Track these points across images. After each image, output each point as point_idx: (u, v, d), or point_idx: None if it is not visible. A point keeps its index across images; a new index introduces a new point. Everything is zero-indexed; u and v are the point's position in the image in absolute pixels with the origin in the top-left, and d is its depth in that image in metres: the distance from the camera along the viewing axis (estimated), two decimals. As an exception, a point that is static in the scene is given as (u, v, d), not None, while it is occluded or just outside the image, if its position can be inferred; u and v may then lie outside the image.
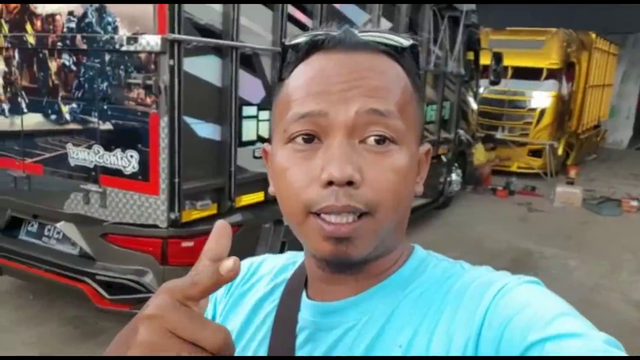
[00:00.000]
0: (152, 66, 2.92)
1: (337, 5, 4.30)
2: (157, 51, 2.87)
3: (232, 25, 3.26)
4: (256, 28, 3.52)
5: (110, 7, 3.02)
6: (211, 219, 3.46)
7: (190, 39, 2.99)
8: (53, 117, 3.37)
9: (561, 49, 10.76)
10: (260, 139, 3.72)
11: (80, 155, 3.28)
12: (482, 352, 0.57)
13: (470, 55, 8.13)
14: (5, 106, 3.59)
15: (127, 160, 3.11)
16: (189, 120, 3.12)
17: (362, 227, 0.60)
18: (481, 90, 9.36)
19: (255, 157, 3.71)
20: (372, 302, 0.67)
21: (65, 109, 3.29)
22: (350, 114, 0.60)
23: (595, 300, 5.12)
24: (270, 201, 3.91)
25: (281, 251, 4.00)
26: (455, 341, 0.59)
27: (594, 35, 12.40)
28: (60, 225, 3.52)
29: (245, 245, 3.70)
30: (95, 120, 3.17)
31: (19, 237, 3.93)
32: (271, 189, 0.69)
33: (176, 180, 3.04)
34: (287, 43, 0.67)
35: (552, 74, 10.76)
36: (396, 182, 0.61)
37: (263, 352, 0.71)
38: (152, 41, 2.87)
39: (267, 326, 0.72)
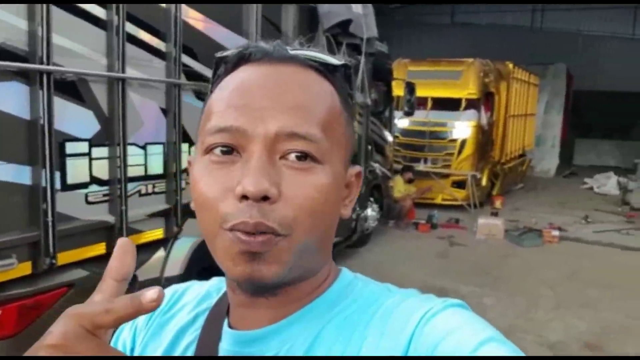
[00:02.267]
0: None
1: (203, 28, 3.82)
2: None
3: (41, 45, 2.70)
4: (81, 50, 2.96)
5: None
6: (27, 281, 2.83)
7: (-29, 61, 2.41)
8: None
9: (478, 79, 10.72)
10: (96, 181, 3.14)
11: None
12: None
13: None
14: None
15: None
16: (-22, 161, 2.52)
17: (275, 243, 0.58)
18: (396, 121, 9.09)
19: (89, 203, 3.11)
20: (294, 329, 0.64)
21: None
22: (270, 132, 0.58)
23: (508, 343, 4.70)
24: (118, 253, 3.32)
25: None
26: None
27: (511, 66, 12.49)
28: None
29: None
30: None
31: None
32: (192, 204, 0.64)
33: (-45, 236, 2.42)
34: (217, 56, 0.67)
35: (471, 104, 10.70)
36: (315, 200, 0.59)
37: None
38: None
39: (191, 351, 0.69)
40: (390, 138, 8.54)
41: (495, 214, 9.98)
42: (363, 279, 0.71)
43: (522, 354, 0.55)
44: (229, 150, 0.60)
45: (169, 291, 0.80)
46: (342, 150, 0.64)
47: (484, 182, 11.41)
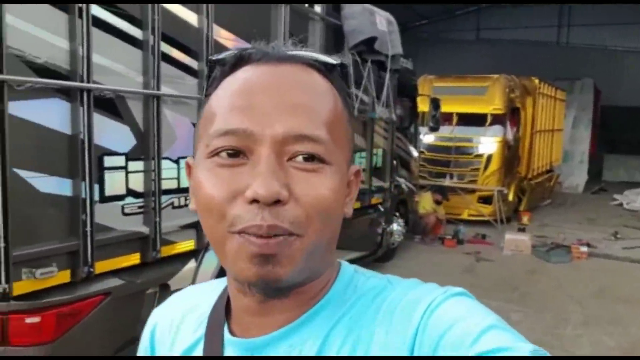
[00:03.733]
0: (-32, 112, 2.47)
1: (233, 47, 3.95)
2: (-30, 93, 2.43)
3: (82, 64, 2.84)
4: (119, 68, 3.11)
5: None
6: (65, 289, 2.95)
7: (17, 80, 2.56)
8: None
9: (504, 95, 10.69)
10: (132, 193, 3.26)
11: None
12: None
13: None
14: None
15: (-53, 223, 2.61)
16: (23, 173, 2.65)
17: (289, 244, 0.58)
18: (421, 137, 9.13)
19: (125, 214, 3.23)
20: (303, 332, 0.64)
21: None
22: (278, 134, 0.58)
23: (535, 358, 4.67)
24: (152, 263, 3.43)
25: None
26: None
27: (537, 81, 12.43)
28: None
29: (118, 316, 3.18)
30: None
31: None
32: (192, 206, 0.65)
33: (1, 245, 2.54)
34: (211, 58, 0.66)
35: (497, 120, 10.67)
36: (326, 200, 0.59)
37: None
38: (-36, 82, 2.43)
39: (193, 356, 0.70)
40: (415, 153, 8.58)
41: (522, 230, 9.90)
42: (364, 273, 0.71)
43: (523, 340, 0.56)
44: (236, 153, 0.59)
45: (147, 330, 0.79)
46: (345, 149, 0.64)
47: (510, 197, 11.33)
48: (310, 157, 0.59)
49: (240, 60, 0.63)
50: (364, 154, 6.29)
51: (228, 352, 0.67)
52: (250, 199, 0.56)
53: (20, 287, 2.68)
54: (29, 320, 2.80)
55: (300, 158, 0.59)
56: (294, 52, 0.63)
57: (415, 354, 0.58)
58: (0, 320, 2.75)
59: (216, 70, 0.65)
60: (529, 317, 5.81)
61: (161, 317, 0.79)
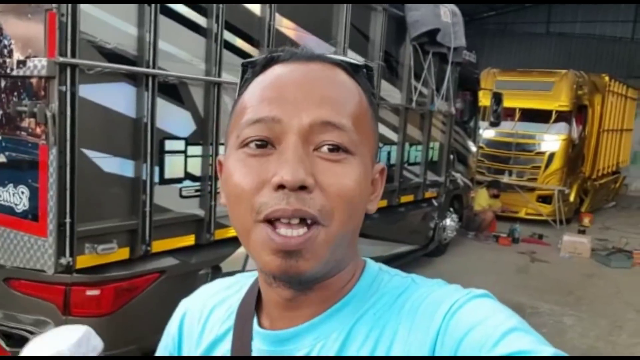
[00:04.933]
0: (42, 92, 2.61)
1: (295, 37, 3.99)
2: (45, 76, 2.56)
3: (149, 50, 2.95)
4: (183, 55, 3.21)
5: (7, 29, 2.74)
6: (124, 265, 3.10)
7: (88, 64, 2.68)
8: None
9: (571, 91, 10.32)
10: (190, 177, 3.37)
11: (-23, 190, 2.98)
12: None
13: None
14: None
15: (18, 197, 2.78)
16: (90, 153, 2.79)
17: (312, 239, 0.59)
18: (481, 132, 8.94)
19: (182, 197, 3.35)
20: (327, 326, 0.66)
21: (-37, 138, 3.00)
22: (304, 123, 0.59)
23: (587, 365, 4.55)
24: (205, 245, 3.54)
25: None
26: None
27: (607, 78, 11.92)
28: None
29: (171, 294, 3.31)
30: (-10, 151, 2.87)
31: None
32: (222, 200, 0.67)
33: (67, 220, 2.69)
34: (244, 62, 0.68)
35: (562, 117, 10.32)
36: (351, 190, 0.60)
37: None
38: (39, 65, 2.57)
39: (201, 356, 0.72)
40: (473, 148, 8.42)
41: (582, 232, 9.58)
42: (388, 271, 0.72)
43: (545, 343, 0.56)
44: (264, 143, 0.61)
45: (196, 302, 0.81)
46: (370, 144, 0.65)
47: (572, 198, 10.97)
48: (335, 148, 0.60)
49: (270, 61, 0.66)
50: (420, 147, 6.23)
51: (256, 344, 0.69)
52: (277, 185, 0.57)
53: (83, 261, 2.83)
54: (90, 292, 2.96)
55: (325, 148, 0.60)
56: (321, 54, 0.66)
57: (437, 353, 0.59)
58: (63, 291, 2.92)
59: (248, 72, 0.68)
60: (583, 322, 5.64)
61: (190, 307, 0.81)
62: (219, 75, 3.36)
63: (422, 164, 6.29)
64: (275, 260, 0.59)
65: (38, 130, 2.65)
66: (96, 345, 1.74)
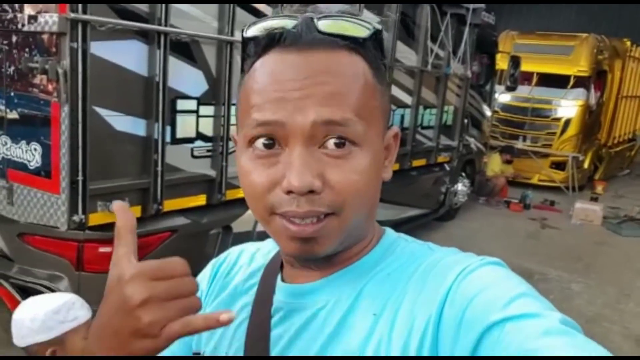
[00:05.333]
0: (53, 49, 2.59)
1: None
2: (56, 32, 2.54)
3: (161, 7, 2.90)
4: (196, 13, 3.16)
5: (18, -17, 2.71)
6: (137, 222, 3.11)
7: (100, 20, 2.65)
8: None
9: (591, 56, 10.09)
10: (202, 137, 3.36)
11: (-10, 146, 2.99)
12: (443, 330, 0.59)
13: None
14: None
15: (31, 154, 2.79)
16: (102, 111, 2.78)
17: (326, 227, 0.63)
18: (497, 96, 8.80)
19: (194, 157, 3.35)
20: (340, 283, 0.69)
21: (-23, 94, 3.00)
22: (307, 124, 0.61)
23: (593, 332, 4.57)
24: (217, 205, 3.56)
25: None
26: (418, 320, 0.61)
27: (629, 43, 11.63)
28: (-21, 221, 3.24)
29: (182, 253, 3.33)
30: (3, 108, 2.87)
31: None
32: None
33: (80, 178, 2.70)
34: (245, 35, 0.67)
35: (580, 82, 10.12)
36: (359, 183, 0.62)
37: (242, 331, 0.74)
38: (50, 20, 2.54)
39: (247, 310, 0.75)
40: (488, 113, 8.31)
41: (595, 199, 9.50)
42: (405, 239, 0.75)
43: (553, 309, 0.57)
44: (271, 143, 0.63)
45: (223, 256, 0.88)
46: (378, 124, 0.66)
47: (586, 165, 10.86)
48: (341, 143, 0.62)
49: (271, 41, 0.64)
50: (434, 110, 6.16)
51: (278, 295, 0.74)
52: (286, 190, 0.61)
53: (95, 219, 2.86)
54: (102, 249, 2.99)
55: (331, 144, 0.62)
56: (324, 30, 0.63)
57: (445, 312, 0.60)
58: (76, 247, 2.97)
59: (249, 46, 0.67)
60: (591, 289, 5.66)
61: (231, 255, 0.87)
62: (232, 34, 3.31)
63: (436, 127, 6.23)
64: (292, 245, 0.64)
65: (50, 87, 2.64)
66: (78, 316, 1.76)
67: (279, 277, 0.76)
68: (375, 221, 0.75)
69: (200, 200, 3.45)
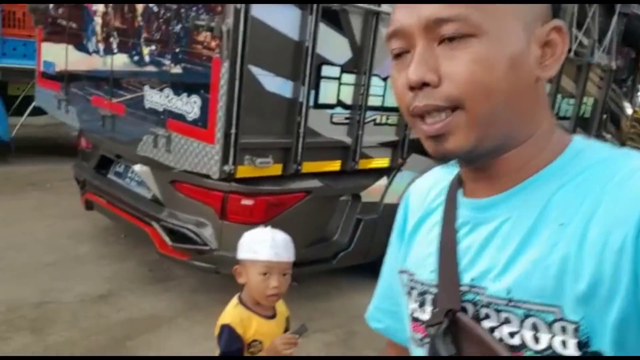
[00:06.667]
0: (219, 8, 2.79)
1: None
2: (223, -8, 2.73)
3: (315, -24, 3.03)
4: (348, -18, 3.25)
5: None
6: (276, 180, 3.30)
7: (261, -15, 2.81)
8: (136, 58, 3.40)
9: None
10: (341, 104, 3.46)
11: (154, 97, 3.28)
12: None
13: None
14: (101, 46, 3.71)
15: (190, 106, 3.03)
16: (255, 70, 2.96)
17: (452, 122, 0.64)
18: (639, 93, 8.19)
19: (333, 123, 3.46)
20: (524, 196, 0.68)
21: (145, 50, 3.30)
22: (421, 24, 0.64)
23: None
24: (349, 173, 3.66)
25: (355, 229, 3.73)
26: (614, 236, 0.57)
27: None
28: (137, 167, 3.57)
29: (314, 214, 3.49)
30: (168, 63, 3.13)
31: (107, 176, 4.09)
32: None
33: (233, 131, 2.90)
34: None
35: None
36: (477, 72, 0.62)
37: (435, 248, 0.77)
38: (218, -18, 2.74)
39: (438, 227, 0.78)
40: (629, 110, 7.76)
41: None
42: (597, 145, 0.70)
43: None
44: (401, 53, 0.68)
45: (410, 193, 0.92)
46: (513, 14, 0.64)
47: None
48: (455, 36, 0.63)
49: None
50: (572, 100, 5.87)
51: (461, 210, 0.76)
52: (407, 87, 0.66)
53: (242, 171, 3.05)
54: (244, 202, 3.20)
55: (446, 40, 0.64)
56: None
57: None
58: (221, 197, 3.20)
59: None
60: None
61: (414, 190, 0.92)
62: (379, 4, 3.37)
63: (573, 119, 5.93)
64: (428, 144, 0.69)
65: (213, 44, 2.85)
66: (257, 250, 1.90)
67: (460, 192, 0.78)
68: (561, 129, 0.72)
69: (335, 165, 3.56)
